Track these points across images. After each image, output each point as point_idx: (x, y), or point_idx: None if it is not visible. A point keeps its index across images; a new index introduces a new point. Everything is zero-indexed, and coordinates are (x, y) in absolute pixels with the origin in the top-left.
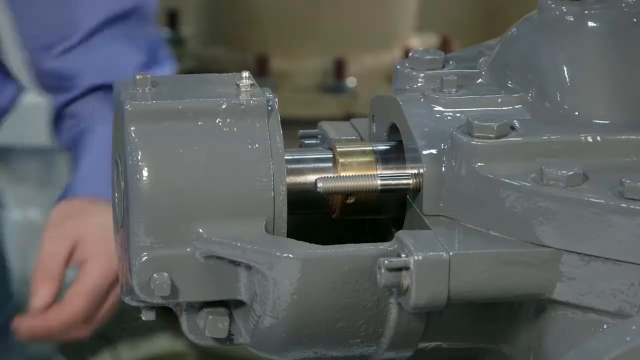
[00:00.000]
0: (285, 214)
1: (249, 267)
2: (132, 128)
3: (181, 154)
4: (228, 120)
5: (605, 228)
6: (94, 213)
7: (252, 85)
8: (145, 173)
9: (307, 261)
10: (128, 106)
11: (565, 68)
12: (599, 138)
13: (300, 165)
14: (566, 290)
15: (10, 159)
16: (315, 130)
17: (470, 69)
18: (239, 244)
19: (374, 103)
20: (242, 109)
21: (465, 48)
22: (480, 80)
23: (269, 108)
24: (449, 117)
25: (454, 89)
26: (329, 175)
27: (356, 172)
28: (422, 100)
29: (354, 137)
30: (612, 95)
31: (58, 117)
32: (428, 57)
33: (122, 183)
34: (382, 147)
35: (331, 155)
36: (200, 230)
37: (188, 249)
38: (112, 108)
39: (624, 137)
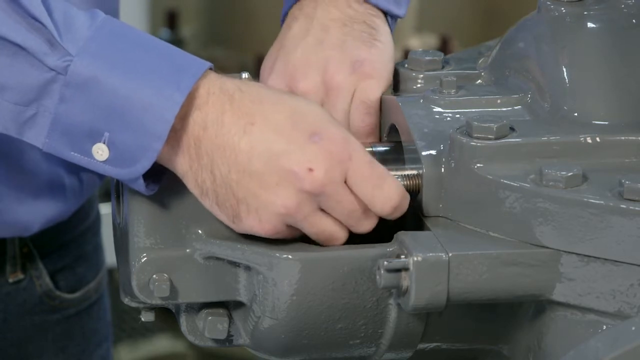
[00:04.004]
0: None
1: (248, 268)
2: None
3: None
4: None
5: (604, 229)
6: None
7: None
8: None
9: (306, 262)
10: None
11: (564, 69)
12: (598, 139)
13: None
14: (565, 291)
15: None
16: None
17: (470, 69)
18: (238, 245)
19: None
20: None
21: (465, 49)
22: (479, 81)
23: None
24: (448, 118)
25: (454, 90)
26: None
27: None
28: (421, 101)
29: None
30: (611, 96)
31: None
32: (427, 57)
33: (122, 184)
34: (381, 148)
35: None
36: (200, 231)
37: (187, 250)
38: None
39: (623, 137)
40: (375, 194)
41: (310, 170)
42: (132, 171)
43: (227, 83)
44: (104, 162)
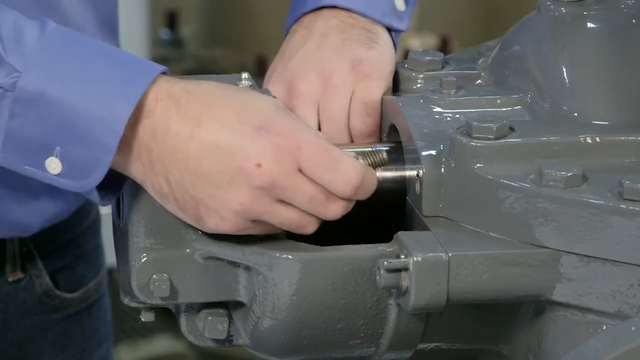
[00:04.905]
0: None
1: (248, 268)
2: None
3: None
4: None
5: (604, 229)
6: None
7: (251, 86)
8: None
9: (306, 262)
10: None
11: (564, 69)
12: (598, 139)
13: None
14: (565, 291)
15: None
16: None
17: (470, 70)
18: (238, 245)
19: None
20: None
21: (465, 49)
22: (479, 81)
23: None
24: (448, 118)
25: (453, 90)
26: None
27: None
28: (421, 101)
29: None
30: (611, 96)
31: None
32: (427, 58)
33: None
34: (381, 148)
35: None
36: (200, 232)
37: (187, 250)
38: None
39: (623, 138)
40: (332, 177)
41: (259, 165)
42: (86, 184)
43: (175, 87)
44: (58, 175)
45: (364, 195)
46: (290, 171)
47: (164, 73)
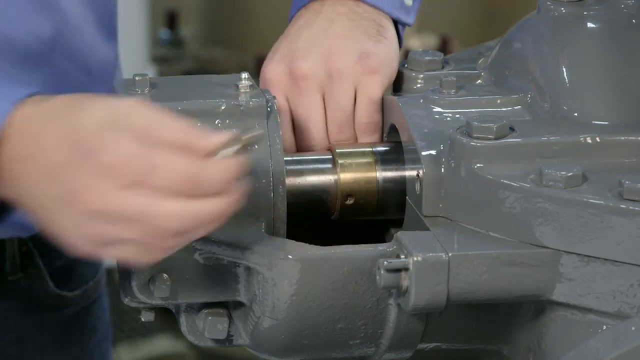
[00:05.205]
0: (284, 216)
1: (248, 269)
2: None
3: None
4: (227, 121)
5: (604, 229)
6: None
7: (251, 86)
8: None
9: (306, 262)
10: None
11: (564, 69)
12: (598, 139)
13: (299, 167)
14: (565, 291)
15: None
16: None
17: (470, 70)
18: (238, 245)
19: None
20: (241, 110)
21: (465, 49)
22: (479, 81)
23: (268, 109)
24: (448, 118)
25: (453, 90)
26: None
27: (355, 173)
28: (421, 101)
29: None
30: (611, 96)
31: None
32: (427, 58)
33: None
34: (381, 148)
35: (330, 157)
36: None
37: (187, 250)
38: None
39: (623, 138)
40: (153, 179)
41: (83, 188)
42: None
43: (30, 110)
44: None
45: (203, 188)
46: (111, 191)
47: (33, 93)
